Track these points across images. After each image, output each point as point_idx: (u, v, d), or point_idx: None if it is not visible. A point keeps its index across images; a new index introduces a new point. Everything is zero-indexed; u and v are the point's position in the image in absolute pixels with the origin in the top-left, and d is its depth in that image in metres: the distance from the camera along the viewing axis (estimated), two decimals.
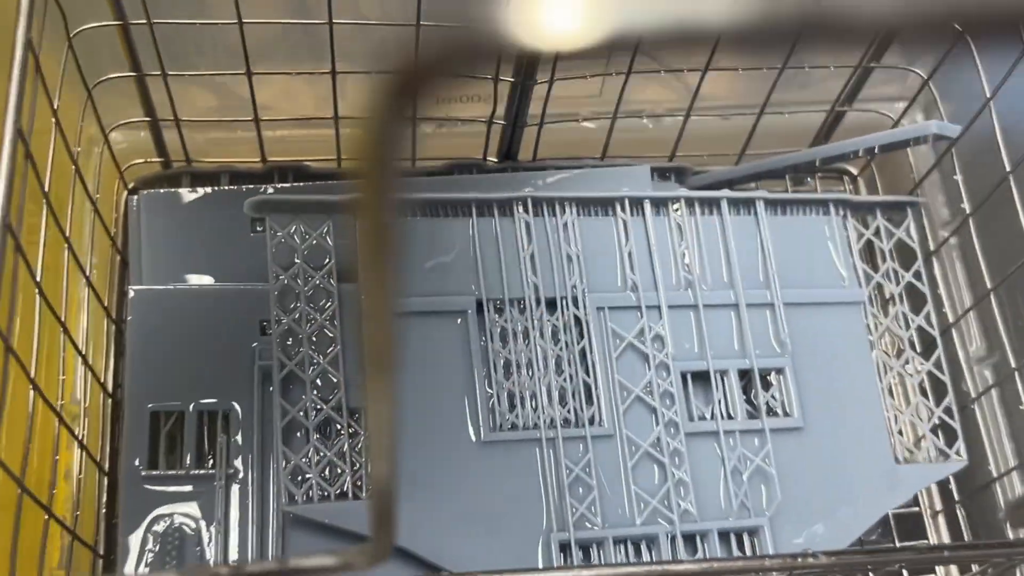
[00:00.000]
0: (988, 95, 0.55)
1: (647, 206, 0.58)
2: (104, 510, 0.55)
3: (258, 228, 0.57)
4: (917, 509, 0.62)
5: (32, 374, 0.45)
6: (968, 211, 0.58)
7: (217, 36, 0.59)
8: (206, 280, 0.56)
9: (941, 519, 0.62)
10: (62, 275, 0.52)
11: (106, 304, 0.58)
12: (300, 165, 0.62)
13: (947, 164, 0.60)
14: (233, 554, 0.50)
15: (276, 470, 0.51)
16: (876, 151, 0.61)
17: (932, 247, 0.62)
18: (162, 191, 0.58)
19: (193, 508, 0.51)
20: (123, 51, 0.56)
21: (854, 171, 0.69)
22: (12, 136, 0.42)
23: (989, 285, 0.57)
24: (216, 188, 0.58)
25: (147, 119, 0.60)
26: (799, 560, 0.41)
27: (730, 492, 0.54)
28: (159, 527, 0.51)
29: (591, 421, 0.54)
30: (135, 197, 0.58)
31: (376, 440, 0.26)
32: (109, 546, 0.52)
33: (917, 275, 0.60)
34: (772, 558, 0.41)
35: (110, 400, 0.57)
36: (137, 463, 0.51)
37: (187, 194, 0.58)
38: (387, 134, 0.18)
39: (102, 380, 0.56)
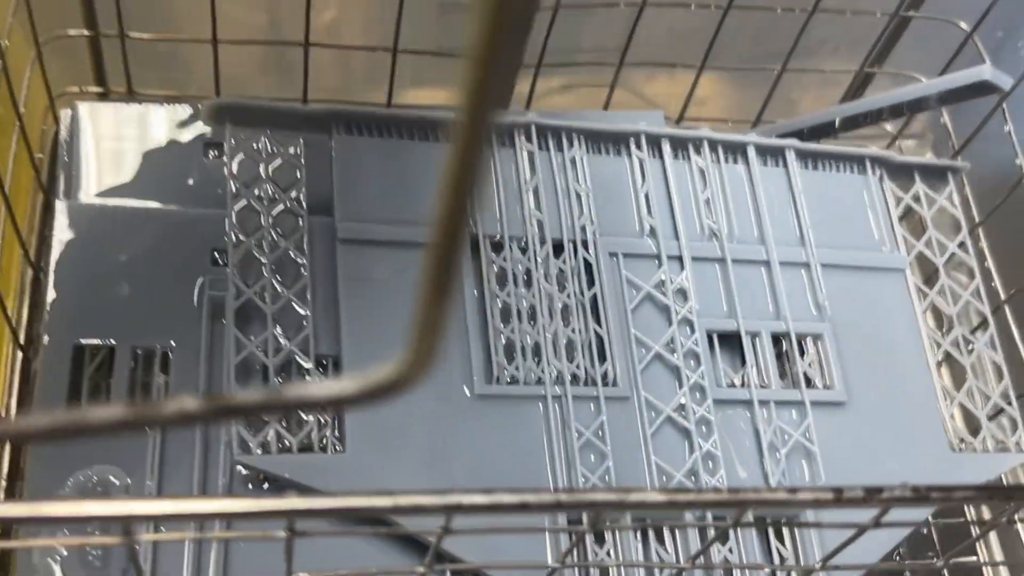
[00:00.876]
0: None
1: (666, 146, 0.50)
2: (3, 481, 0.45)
3: (212, 154, 0.49)
4: (961, 520, 0.54)
5: None
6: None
7: None
8: (149, 204, 0.47)
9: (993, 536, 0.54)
10: None
11: (25, 245, 0.48)
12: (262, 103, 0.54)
13: (995, 124, 0.54)
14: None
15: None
16: (907, 110, 0.55)
17: (977, 217, 0.55)
18: (102, 103, 0.49)
19: (121, 462, 0.41)
20: None
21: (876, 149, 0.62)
22: None
23: None
24: (166, 104, 0.49)
25: (88, 33, 0.51)
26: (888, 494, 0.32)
27: (766, 470, 0.45)
28: (76, 484, 0.41)
29: (604, 380, 0.45)
30: (69, 111, 0.49)
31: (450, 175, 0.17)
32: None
33: (962, 246, 0.53)
34: (852, 489, 0.32)
35: (20, 353, 0.47)
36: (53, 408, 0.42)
37: (131, 109, 0.49)
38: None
39: (14, 324, 0.47)
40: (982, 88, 0.52)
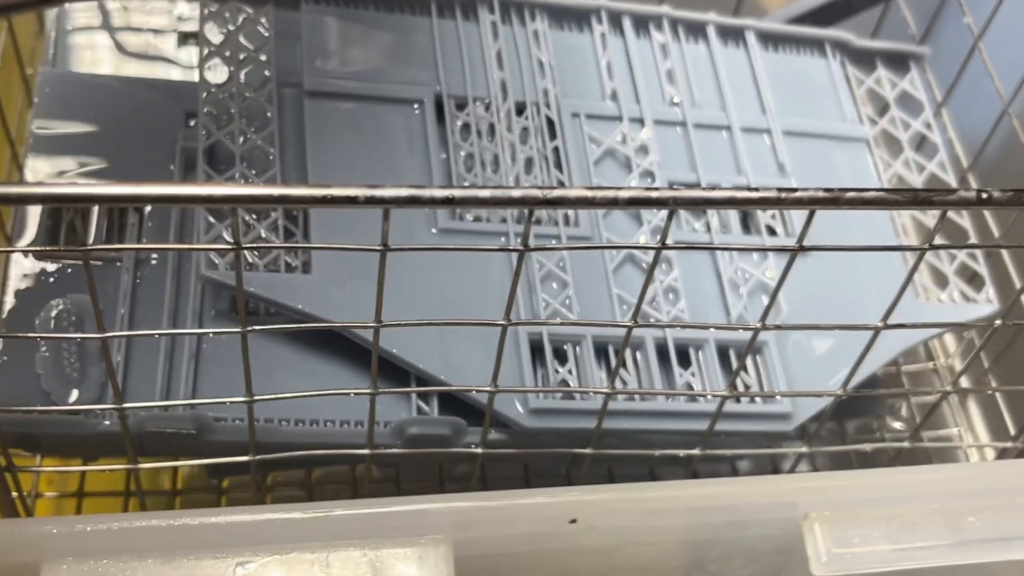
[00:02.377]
0: None
1: (627, 22, 0.52)
2: None
3: (187, 43, 0.51)
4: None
5: None
6: (977, 34, 0.53)
7: None
8: (128, 74, 0.49)
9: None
10: None
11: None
12: None
13: (952, 9, 0.55)
14: (142, 345, 0.42)
15: (196, 238, 0.43)
16: (856, 5, 0.57)
17: (939, 98, 0.56)
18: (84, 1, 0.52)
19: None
20: None
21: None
22: None
23: (1011, 116, 0.51)
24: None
25: None
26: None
27: (728, 303, 0.46)
28: (53, 313, 0.42)
29: (566, 221, 0.47)
30: (55, 10, 0.51)
31: None
32: None
33: (927, 125, 0.54)
34: (768, 189, 0.33)
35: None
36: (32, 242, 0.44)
37: (111, 4, 0.52)
38: None
39: None
40: None
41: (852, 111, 0.54)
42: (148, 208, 0.45)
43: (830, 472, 0.39)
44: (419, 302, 0.43)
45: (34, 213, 0.45)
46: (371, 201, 0.30)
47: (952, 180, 0.53)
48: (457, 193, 0.30)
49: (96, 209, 0.45)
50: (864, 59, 0.56)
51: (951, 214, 0.52)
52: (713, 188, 0.33)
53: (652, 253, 0.45)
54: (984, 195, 0.33)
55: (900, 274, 0.49)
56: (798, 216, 0.49)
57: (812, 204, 0.33)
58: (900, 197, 0.33)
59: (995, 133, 0.52)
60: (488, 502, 0.34)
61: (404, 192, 0.30)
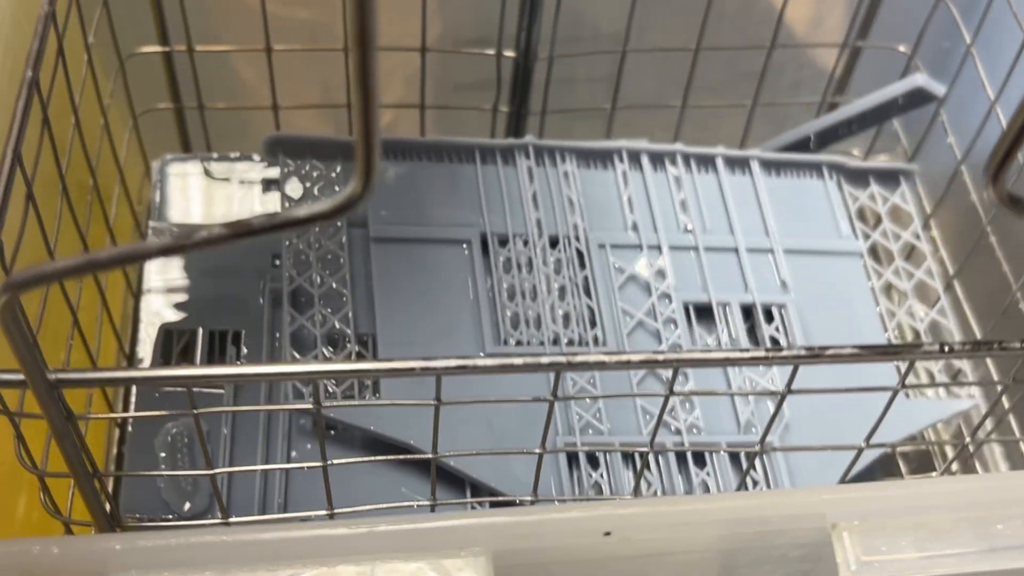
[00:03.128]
0: (968, 42, 0.58)
1: (644, 160, 0.60)
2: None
3: (270, 188, 0.60)
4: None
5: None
6: (960, 157, 0.60)
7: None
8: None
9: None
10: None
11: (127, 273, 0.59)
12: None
13: (939, 130, 0.62)
14: (243, 457, 0.50)
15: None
16: (854, 127, 0.64)
17: (928, 211, 0.63)
18: (185, 155, 0.61)
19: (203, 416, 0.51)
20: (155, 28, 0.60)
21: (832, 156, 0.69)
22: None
23: (989, 232, 0.58)
24: (235, 156, 0.61)
25: (173, 105, 0.63)
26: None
27: (737, 411, 0.54)
28: (168, 437, 0.51)
29: (595, 341, 0.54)
30: (159, 161, 0.60)
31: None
32: (118, 463, 0.52)
33: (916, 236, 0.62)
34: (756, 349, 0.40)
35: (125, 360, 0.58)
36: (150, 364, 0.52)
37: (208, 158, 0.61)
38: None
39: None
40: (921, 96, 0.61)
41: (847, 227, 0.61)
42: (244, 338, 0.54)
43: (857, 484, 0.39)
44: (473, 420, 0.51)
45: (148, 341, 0.53)
46: (426, 371, 0.38)
47: (939, 287, 0.60)
48: (495, 362, 0.38)
49: (200, 338, 0.54)
50: (858, 177, 0.63)
51: (937, 316, 0.59)
52: (710, 350, 0.40)
53: (671, 370, 0.53)
54: (946, 348, 0.40)
55: (894, 378, 0.56)
56: (798, 325, 0.57)
57: (796, 360, 0.40)
58: (873, 352, 0.41)
59: (978, 243, 0.59)
60: (526, 517, 0.36)
61: (453, 363, 0.38)
